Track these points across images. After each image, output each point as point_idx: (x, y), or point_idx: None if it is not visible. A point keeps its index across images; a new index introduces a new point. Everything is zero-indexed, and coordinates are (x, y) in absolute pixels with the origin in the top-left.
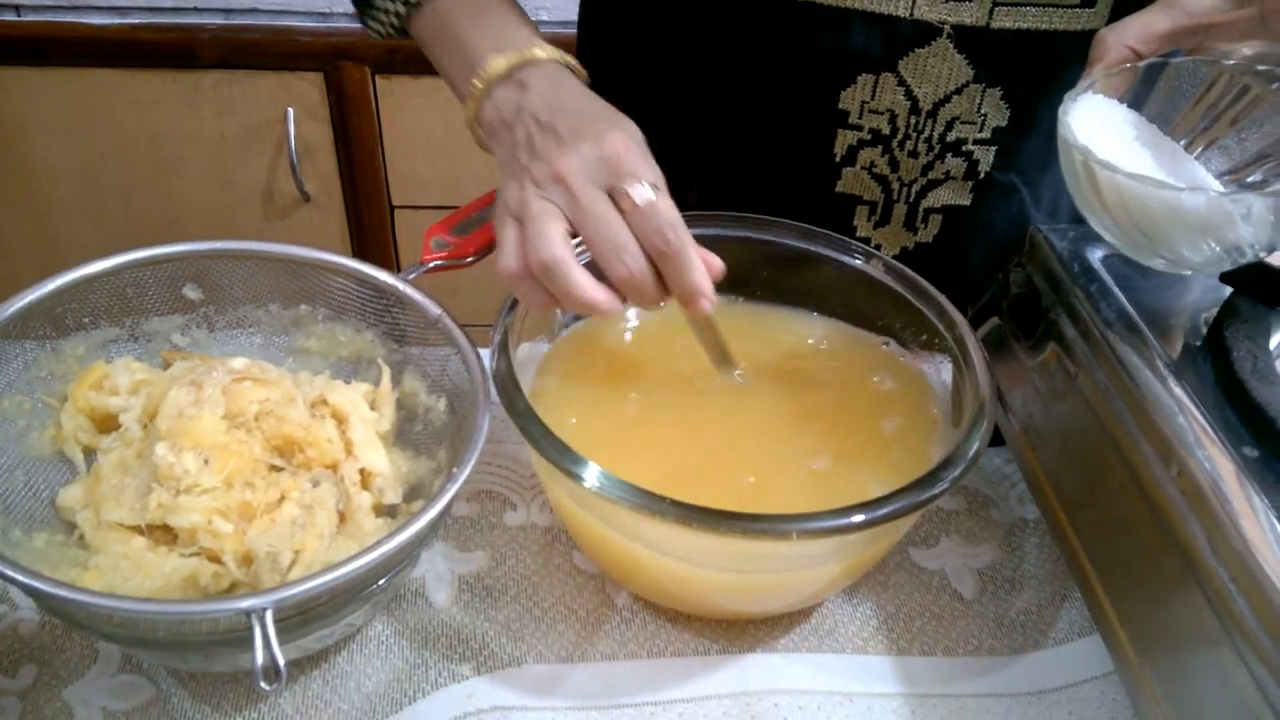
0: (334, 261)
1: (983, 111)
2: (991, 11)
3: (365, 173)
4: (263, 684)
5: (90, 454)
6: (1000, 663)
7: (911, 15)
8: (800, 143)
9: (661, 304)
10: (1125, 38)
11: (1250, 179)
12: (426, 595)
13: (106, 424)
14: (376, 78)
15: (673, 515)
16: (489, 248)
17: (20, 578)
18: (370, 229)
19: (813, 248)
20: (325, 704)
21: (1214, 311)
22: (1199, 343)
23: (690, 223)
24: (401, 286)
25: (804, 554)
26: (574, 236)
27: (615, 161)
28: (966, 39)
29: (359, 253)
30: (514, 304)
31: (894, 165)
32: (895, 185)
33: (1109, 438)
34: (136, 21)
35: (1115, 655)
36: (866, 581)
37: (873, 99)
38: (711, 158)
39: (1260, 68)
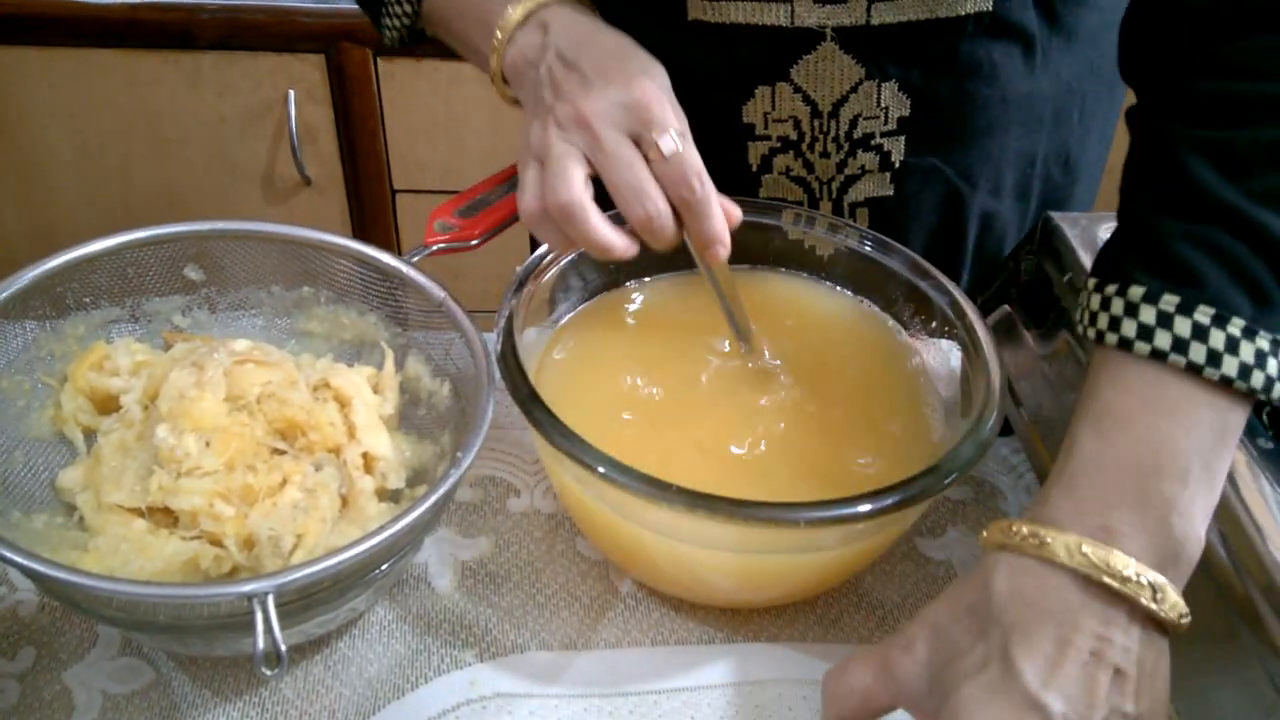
0: (337, 243)
1: (883, 105)
2: (869, 9)
3: (366, 156)
4: (264, 669)
5: (90, 435)
6: None
7: (792, 23)
8: (715, 158)
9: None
10: (843, 708)
11: None
12: (429, 581)
13: (107, 405)
14: (378, 60)
15: (679, 502)
16: (494, 231)
17: (19, 559)
18: (371, 213)
19: (827, 235)
20: (326, 689)
21: None
22: None
23: None
24: (405, 269)
25: (810, 541)
26: (595, 179)
27: (643, 109)
28: (850, 39)
29: (360, 237)
30: (519, 286)
31: (809, 167)
32: (815, 185)
33: None
34: (137, 1)
35: None
36: (872, 571)
37: (773, 109)
38: None
39: None
